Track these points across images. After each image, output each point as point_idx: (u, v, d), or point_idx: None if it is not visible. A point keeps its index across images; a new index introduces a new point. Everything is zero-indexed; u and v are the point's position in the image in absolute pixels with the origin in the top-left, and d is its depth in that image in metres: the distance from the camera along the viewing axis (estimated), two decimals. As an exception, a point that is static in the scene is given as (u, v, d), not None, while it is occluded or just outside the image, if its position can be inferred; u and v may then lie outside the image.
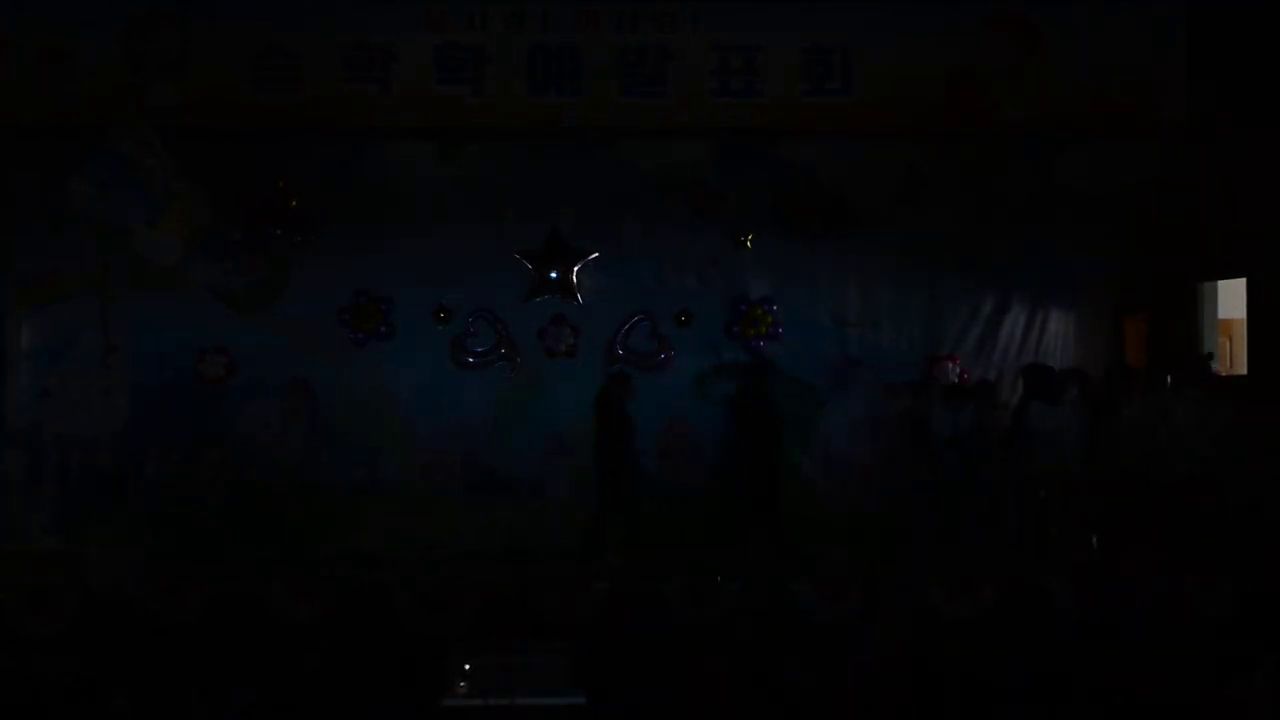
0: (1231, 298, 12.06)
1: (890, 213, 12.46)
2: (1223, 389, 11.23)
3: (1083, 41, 10.93)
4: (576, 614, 9.60)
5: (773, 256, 12.61)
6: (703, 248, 12.56)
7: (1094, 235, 12.66)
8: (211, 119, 11.04)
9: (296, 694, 8.65)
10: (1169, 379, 11.19)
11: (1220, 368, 12.23)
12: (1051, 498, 11.22)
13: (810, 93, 11.07)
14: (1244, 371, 11.87)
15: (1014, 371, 12.44)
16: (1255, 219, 11.15)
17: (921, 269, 12.61)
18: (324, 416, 12.43)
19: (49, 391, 12.06)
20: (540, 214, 12.48)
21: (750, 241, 12.55)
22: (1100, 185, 11.74)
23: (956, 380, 12.45)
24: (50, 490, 11.79)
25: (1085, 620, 9.65)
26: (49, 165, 11.35)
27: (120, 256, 11.64)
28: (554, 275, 12.55)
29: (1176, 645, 9.21)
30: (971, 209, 12.39)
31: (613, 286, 12.63)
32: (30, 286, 12.19)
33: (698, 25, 10.99)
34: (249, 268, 12.34)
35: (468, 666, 7.75)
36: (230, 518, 11.86)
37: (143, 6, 10.86)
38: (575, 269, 12.53)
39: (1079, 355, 12.56)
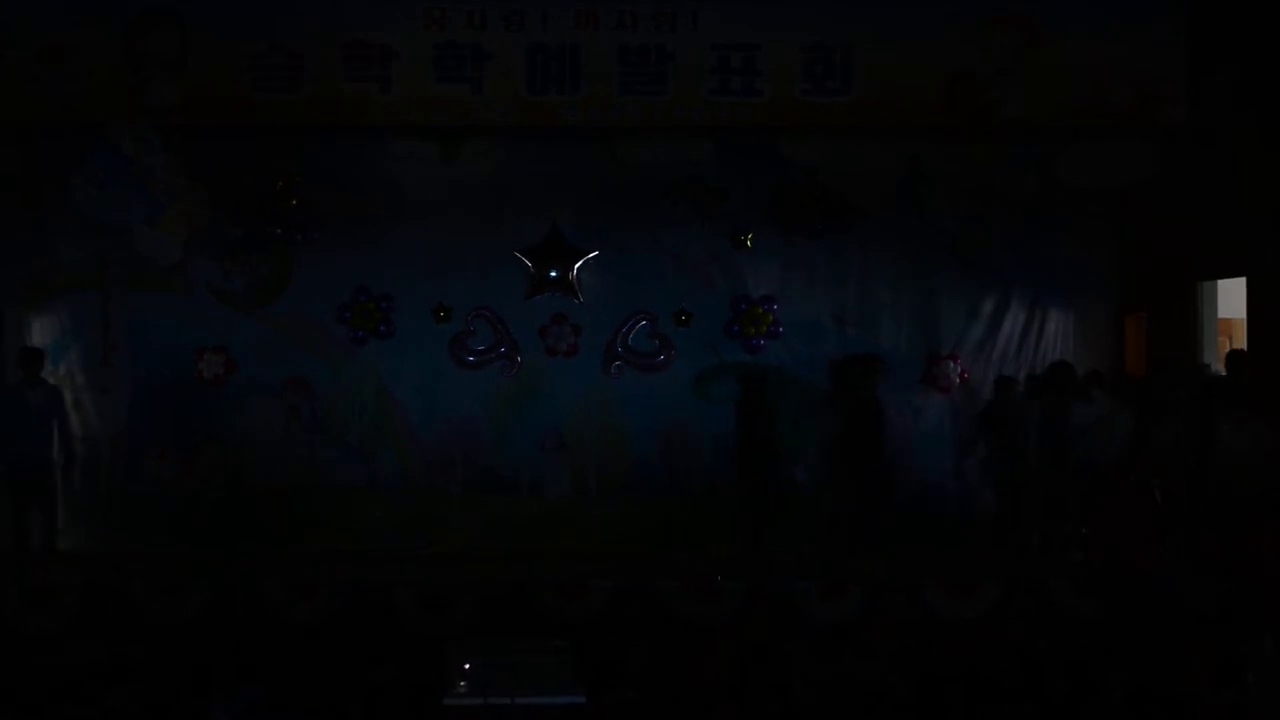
0: (1232, 298, 12.07)
1: (890, 212, 12.46)
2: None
3: (1083, 41, 10.93)
4: (576, 614, 9.61)
5: (773, 255, 12.62)
6: (703, 247, 12.56)
7: (1094, 235, 12.67)
8: (211, 118, 11.05)
9: (295, 694, 8.64)
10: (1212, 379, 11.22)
11: (1220, 367, 12.24)
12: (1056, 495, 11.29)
13: (810, 92, 11.07)
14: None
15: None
16: (1255, 219, 11.15)
17: (921, 268, 12.61)
18: (324, 415, 12.44)
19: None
20: (540, 212, 12.50)
21: (750, 240, 12.56)
22: (1100, 184, 11.74)
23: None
24: (51, 490, 11.81)
25: (1085, 620, 9.68)
26: (49, 165, 11.37)
27: (120, 256, 11.67)
28: (554, 274, 12.56)
29: (1174, 644, 9.22)
30: (971, 209, 12.39)
31: (613, 285, 12.64)
32: (30, 286, 12.19)
33: (697, 25, 10.99)
34: (249, 267, 12.35)
35: (468, 666, 7.74)
36: (230, 516, 11.88)
37: (143, 6, 10.85)
38: (575, 267, 12.54)
39: (1079, 355, 12.56)
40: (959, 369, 12.57)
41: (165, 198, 10.89)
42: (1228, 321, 12.42)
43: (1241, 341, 12.00)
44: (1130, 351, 12.75)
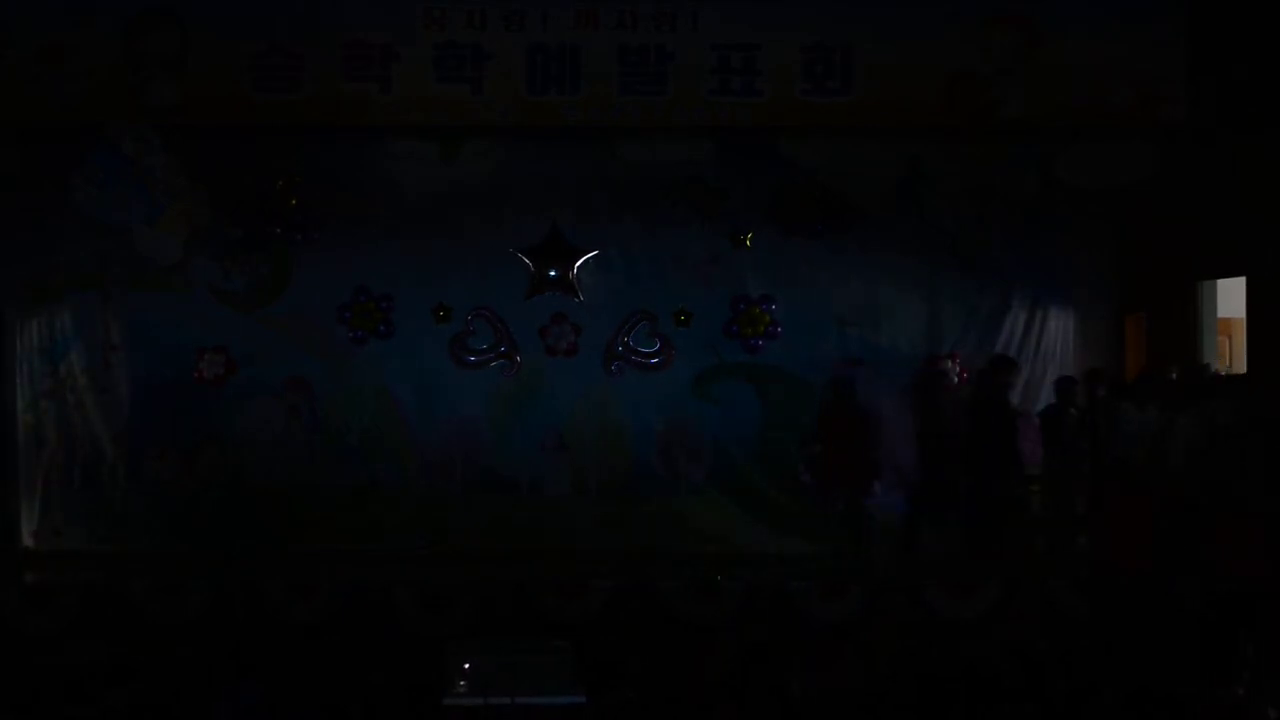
0: (1232, 298, 12.07)
1: (890, 212, 12.46)
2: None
3: (1083, 41, 10.92)
4: (576, 614, 9.62)
5: (773, 255, 12.60)
6: (703, 247, 12.55)
7: (1094, 234, 12.65)
8: (211, 118, 11.03)
9: (295, 694, 8.66)
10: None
11: (1219, 366, 12.25)
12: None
13: (810, 92, 11.06)
14: (1244, 371, 11.87)
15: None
16: (1255, 219, 11.15)
17: (921, 268, 12.58)
18: (324, 415, 12.43)
19: (49, 392, 12.09)
20: (540, 212, 12.49)
21: (750, 240, 12.56)
22: (1100, 184, 11.73)
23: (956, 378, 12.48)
24: (50, 490, 11.84)
25: (1085, 620, 9.69)
26: (49, 165, 11.36)
27: (120, 256, 11.66)
28: (554, 273, 12.55)
29: (1172, 644, 9.23)
30: (971, 208, 12.39)
31: (613, 285, 12.62)
32: (30, 286, 12.19)
33: (697, 25, 10.99)
34: (249, 267, 12.34)
35: (468, 666, 7.75)
36: (230, 516, 11.89)
37: (143, 6, 10.86)
38: (575, 267, 12.54)
39: (1079, 354, 12.56)
40: (959, 369, 12.55)
41: (165, 198, 10.88)
42: (1227, 321, 12.43)
43: (1241, 341, 12.01)
44: (1130, 351, 12.74)
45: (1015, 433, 11.48)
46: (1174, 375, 11.25)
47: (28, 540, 11.54)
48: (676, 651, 9.28)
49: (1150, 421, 10.67)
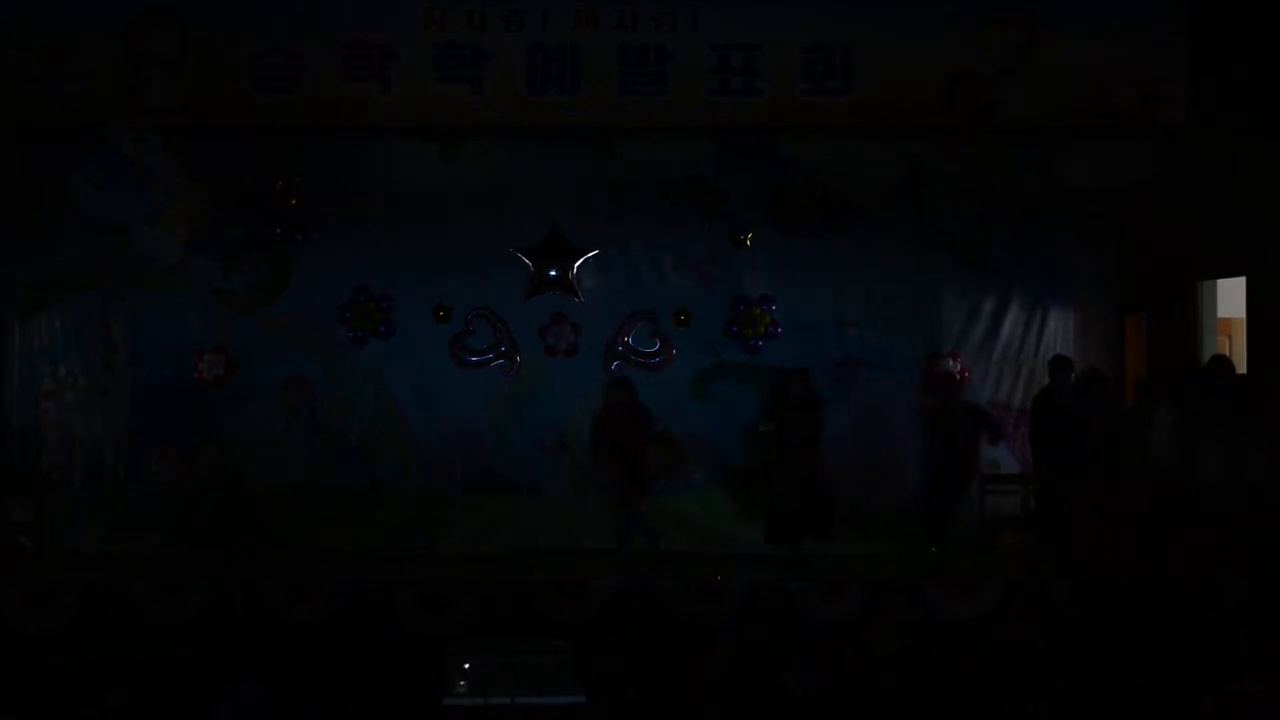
0: (1232, 298, 12.06)
1: (890, 212, 12.46)
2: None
3: (1083, 41, 10.93)
4: (576, 614, 9.62)
5: (773, 255, 12.60)
6: (703, 247, 12.56)
7: (1094, 235, 12.66)
8: (211, 118, 11.05)
9: (295, 694, 8.66)
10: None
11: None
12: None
13: (810, 92, 11.06)
14: (1244, 371, 11.86)
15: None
16: (1255, 219, 11.15)
17: (921, 268, 12.57)
18: (324, 415, 12.43)
19: (49, 392, 12.09)
20: (540, 212, 12.49)
21: (750, 240, 12.56)
22: (1100, 184, 11.74)
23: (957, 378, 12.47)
24: (51, 490, 11.84)
25: (1085, 620, 9.69)
26: (49, 165, 11.37)
27: (120, 256, 11.66)
28: (553, 273, 12.56)
29: (1173, 644, 9.23)
30: (971, 208, 12.40)
31: (613, 285, 12.63)
32: (30, 286, 12.19)
33: (697, 25, 10.99)
34: (249, 267, 12.35)
35: (467, 666, 7.75)
36: (230, 516, 11.89)
37: (143, 6, 10.86)
38: (575, 267, 12.54)
39: (1078, 354, 12.54)
40: (959, 368, 12.56)
41: (165, 198, 10.89)
42: (1227, 321, 12.41)
43: (1241, 341, 12.00)
44: (1130, 351, 12.74)
45: (1076, 432, 11.38)
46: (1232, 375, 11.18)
47: (27, 540, 11.52)
48: (676, 651, 9.28)
49: (1180, 423, 10.65)
